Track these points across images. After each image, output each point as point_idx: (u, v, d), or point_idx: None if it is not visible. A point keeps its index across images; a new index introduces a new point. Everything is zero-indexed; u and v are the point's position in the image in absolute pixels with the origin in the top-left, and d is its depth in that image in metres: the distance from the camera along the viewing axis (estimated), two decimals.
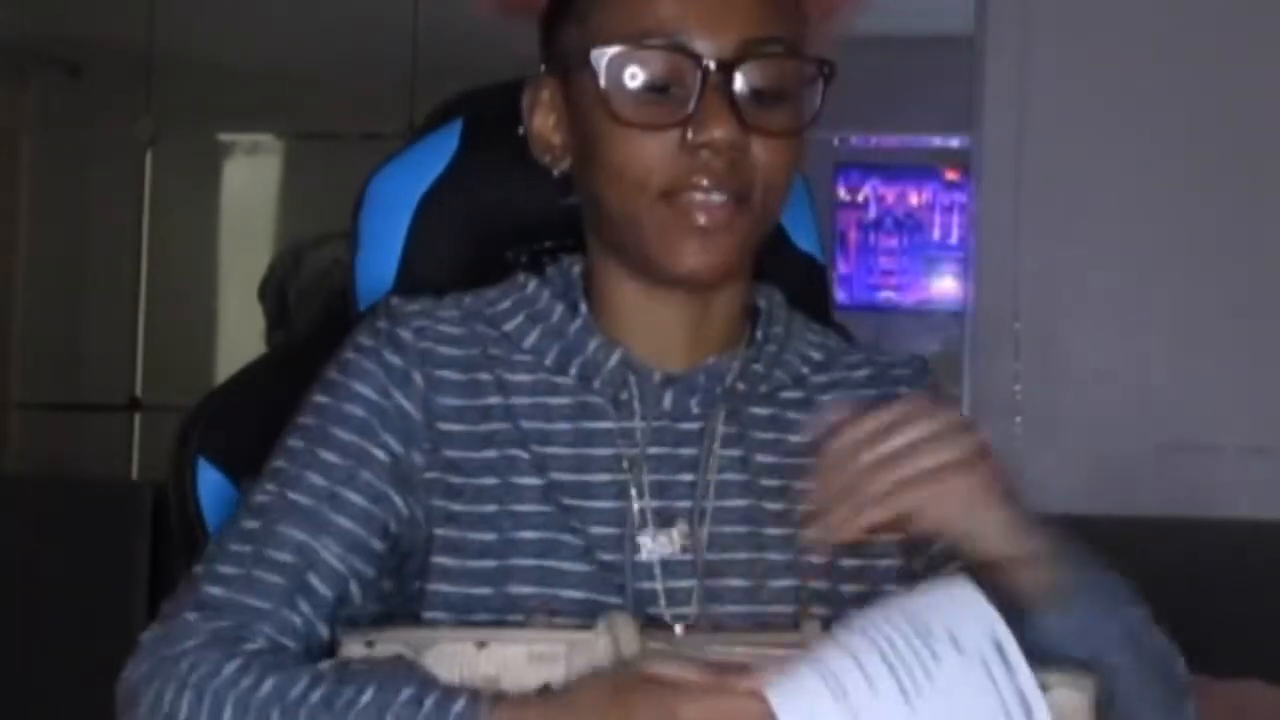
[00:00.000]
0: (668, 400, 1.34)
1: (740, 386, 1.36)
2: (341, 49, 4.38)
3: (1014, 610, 1.19)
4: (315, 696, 1.20)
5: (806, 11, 1.35)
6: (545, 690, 1.19)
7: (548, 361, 1.35)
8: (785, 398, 1.38)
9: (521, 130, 1.37)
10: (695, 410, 1.35)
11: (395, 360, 1.33)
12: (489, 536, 1.30)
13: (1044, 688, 1.22)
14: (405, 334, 1.34)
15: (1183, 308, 3.56)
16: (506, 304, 1.37)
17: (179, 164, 4.52)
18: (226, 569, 1.28)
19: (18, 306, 4.54)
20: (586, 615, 1.25)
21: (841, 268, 4.14)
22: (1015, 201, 3.68)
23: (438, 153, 1.51)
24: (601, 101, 1.28)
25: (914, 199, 4.00)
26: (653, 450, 1.33)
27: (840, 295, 4.13)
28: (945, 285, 4.01)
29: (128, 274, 4.50)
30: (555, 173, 1.37)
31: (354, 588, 1.29)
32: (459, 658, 1.22)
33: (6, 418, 4.55)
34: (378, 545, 1.30)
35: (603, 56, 1.28)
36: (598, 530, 1.31)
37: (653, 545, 1.31)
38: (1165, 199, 3.59)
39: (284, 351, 1.90)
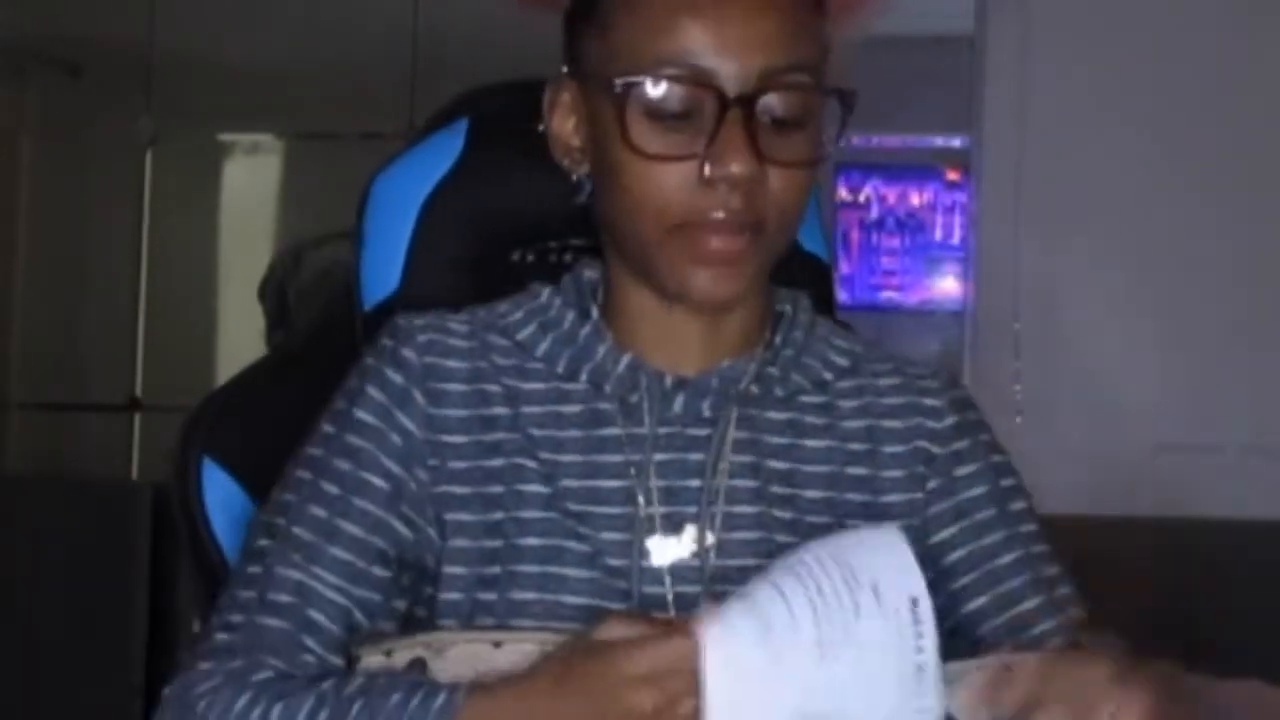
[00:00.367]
0: (679, 403, 1.34)
1: (754, 390, 1.35)
2: (341, 49, 4.38)
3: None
4: (321, 718, 1.22)
5: (828, 8, 1.33)
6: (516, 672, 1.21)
7: (559, 369, 1.35)
8: (804, 402, 1.37)
9: (541, 128, 1.37)
10: (706, 414, 1.34)
11: (396, 379, 1.34)
12: (495, 543, 1.30)
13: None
14: (408, 352, 1.34)
15: (1182, 308, 3.57)
16: (519, 314, 1.37)
17: (179, 164, 4.52)
18: (234, 617, 1.31)
19: (18, 306, 4.54)
20: (589, 621, 1.24)
21: (843, 268, 4.13)
22: (1015, 201, 3.68)
23: (443, 152, 1.51)
24: (619, 128, 1.27)
25: (915, 199, 4.00)
26: (662, 455, 1.32)
27: (842, 295, 4.12)
28: (947, 285, 4.01)
29: (128, 274, 4.50)
30: (574, 177, 1.37)
31: (359, 615, 1.30)
32: (477, 657, 1.24)
33: (6, 418, 4.55)
34: (379, 572, 1.31)
35: (622, 83, 1.27)
36: (606, 536, 1.30)
37: (661, 550, 1.31)
38: (1165, 199, 3.59)
39: (286, 352, 1.90)
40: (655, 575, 1.30)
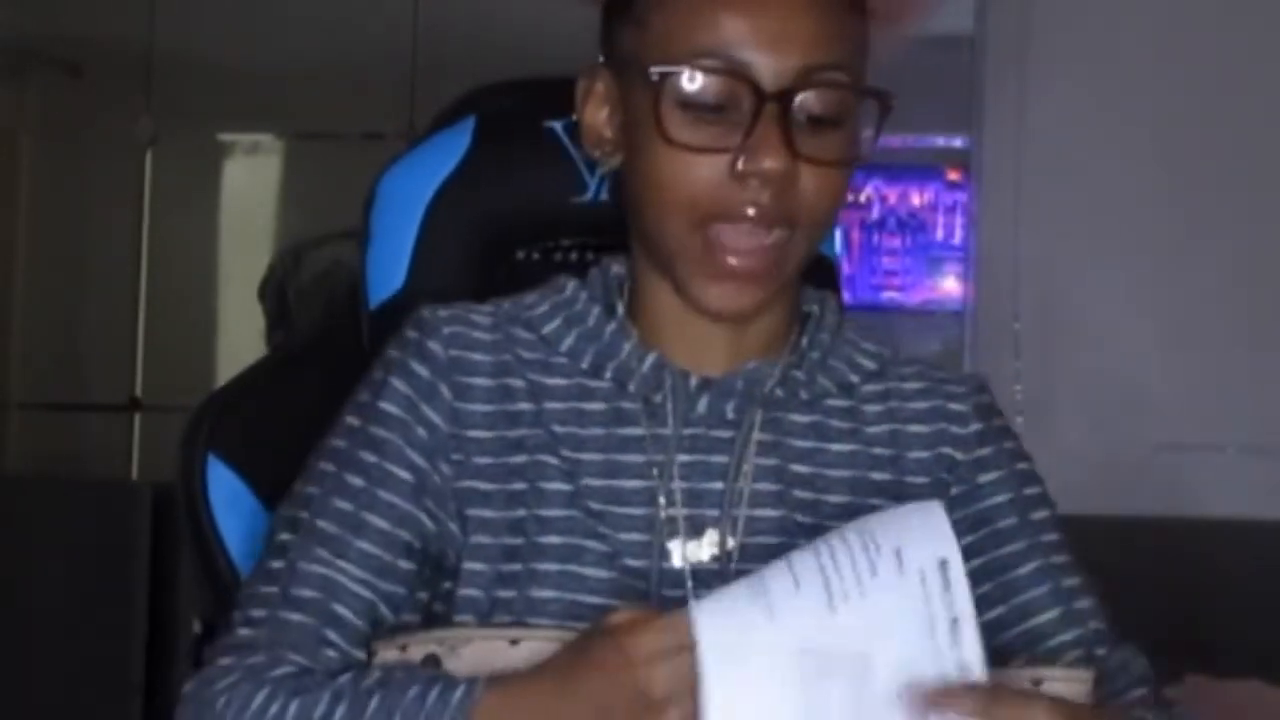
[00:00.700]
0: (703, 405, 1.32)
1: (779, 393, 1.34)
2: (341, 49, 4.37)
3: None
4: (338, 713, 1.22)
5: (873, 12, 1.32)
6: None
7: (583, 365, 1.34)
8: (830, 405, 1.36)
9: (574, 118, 1.37)
10: (730, 416, 1.32)
11: (422, 372, 1.33)
12: (516, 541, 1.30)
13: (1039, 681, 1.22)
14: (434, 345, 1.33)
15: (1183, 307, 3.57)
16: (545, 307, 1.36)
17: (179, 164, 4.51)
18: (256, 612, 1.30)
19: (18, 306, 4.54)
20: None
21: (845, 268, 4.13)
22: (1015, 201, 3.68)
23: (449, 150, 1.51)
24: (653, 118, 1.26)
25: (916, 199, 4.00)
26: (685, 457, 1.31)
27: (844, 295, 4.11)
28: (949, 285, 4.00)
29: (128, 274, 4.49)
30: (604, 169, 1.36)
31: (384, 610, 1.29)
32: (493, 654, 1.24)
33: (6, 418, 4.55)
34: (403, 564, 1.30)
35: (659, 73, 1.26)
36: (626, 537, 1.30)
37: (683, 553, 1.30)
38: (1165, 199, 3.59)
39: (289, 351, 1.90)
40: (675, 578, 1.29)
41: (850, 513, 1.30)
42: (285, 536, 1.32)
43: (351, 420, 1.34)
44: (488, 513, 1.31)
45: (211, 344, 4.52)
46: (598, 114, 1.34)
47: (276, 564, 1.31)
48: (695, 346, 1.34)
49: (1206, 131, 3.58)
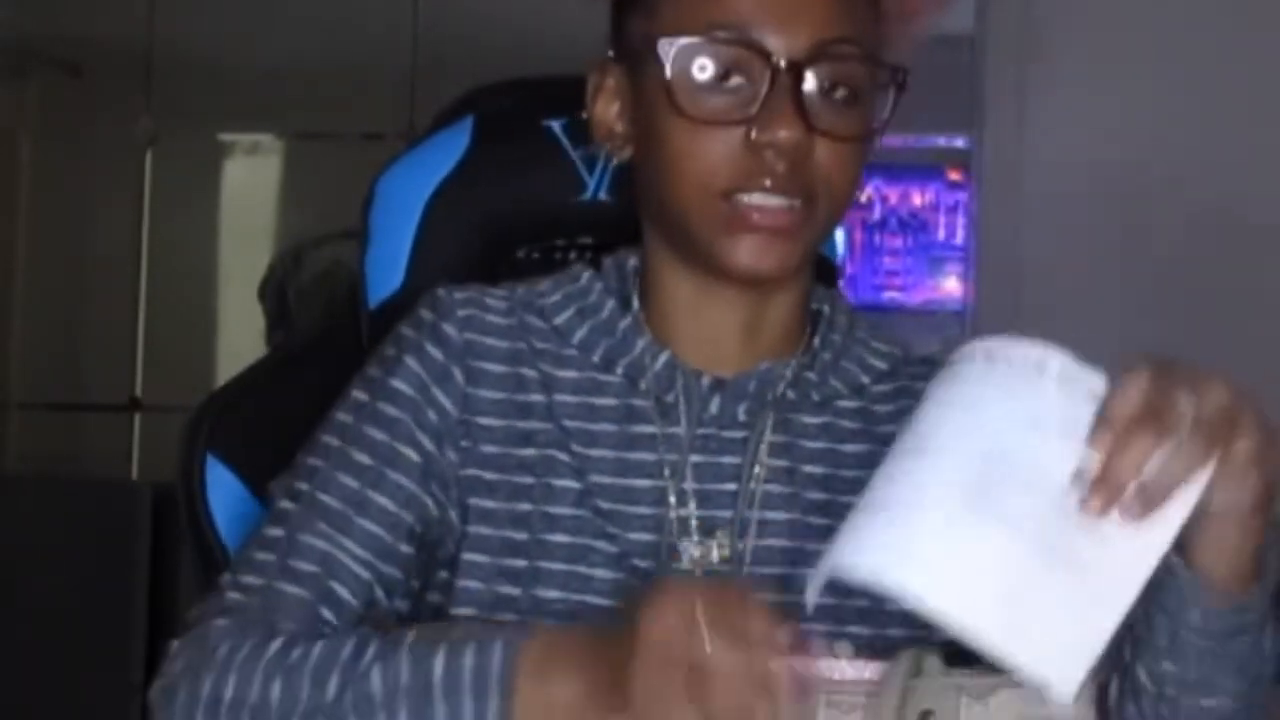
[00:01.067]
0: (714, 405, 1.32)
1: (790, 395, 1.33)
2: (341, 49, 4.37)
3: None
4: (370, 651, 1.18)
5: (885, 11, 1.32)
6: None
7: (595, 358, 1.33)
8: (841, 407, 1.35)
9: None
10: (742, 417, 1.32)
11: (436, 354, 1.32)
12: (521, 536, 1.29)
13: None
14: (449, 327, 1.32)
15: (1183, 308, 3.56)
16: (558, 296, 1.35)
17: (179, 164, 4.51)
18: (251, 579, 1.27)
19: (17, 306, 4.54)
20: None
21: (846, 268, 4.13)
22: (1016, 201, 3.68)
23: (448, 150, 1.51)
24: (666, 93, 1.26)
25: (917, 199, 4.00)
26: (696, 458, 1.30)
27: (846, 295, 4.10)
28: (950, 285, 4.00)
29: (128, 274, 4.49)
30: (614, 161, 1.36)
31: (379, 591, 1.28)
32: None
33: (6, 418, 4.55)
34: (404, 548, 1.29)
35: (671, 46, 1.26)
36: (635, 536, 1.29)
37: (694, 554, 1.29)
38: (1165, 199, 3.59)
39: (289, 351, 1.90)
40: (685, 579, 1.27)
41: None
42: (286, 505, 1.30)
43: (360, 395, 1.32)
44: (490, 503, 1.30)
45: (211, 344, 4.51)
46: (608, 108, 1.34)
47: (275, 532, 1.29)
48: (708, 344, 1.33)
49: (1206, 131, 3.58)
